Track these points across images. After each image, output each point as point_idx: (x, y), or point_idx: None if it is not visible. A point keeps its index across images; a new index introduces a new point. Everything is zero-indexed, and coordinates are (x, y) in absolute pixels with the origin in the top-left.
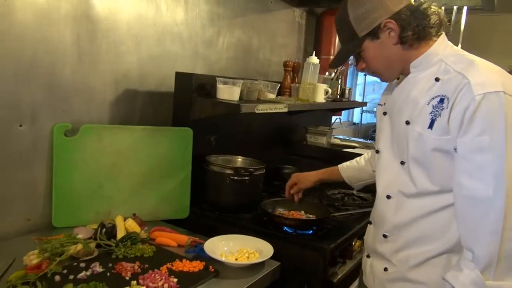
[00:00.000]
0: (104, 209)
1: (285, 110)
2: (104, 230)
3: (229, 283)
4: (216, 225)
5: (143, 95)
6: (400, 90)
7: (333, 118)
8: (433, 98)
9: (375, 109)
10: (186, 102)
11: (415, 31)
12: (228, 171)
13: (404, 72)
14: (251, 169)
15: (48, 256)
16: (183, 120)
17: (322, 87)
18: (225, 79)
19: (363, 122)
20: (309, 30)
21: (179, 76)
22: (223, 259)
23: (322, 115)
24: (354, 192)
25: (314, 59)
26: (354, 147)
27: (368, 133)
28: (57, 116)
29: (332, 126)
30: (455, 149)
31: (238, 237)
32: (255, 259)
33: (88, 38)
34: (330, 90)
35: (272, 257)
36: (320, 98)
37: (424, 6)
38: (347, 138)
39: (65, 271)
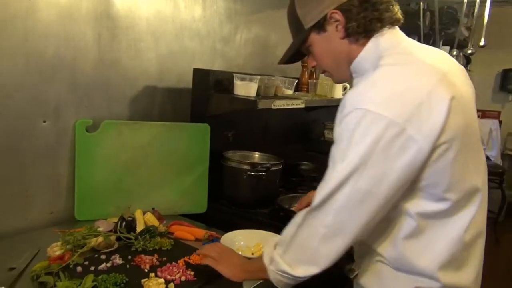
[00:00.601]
0: (124, 203)
1: (302, 106)
2: (124, 223)
3: None
4: (233, 220)
5: (162, 91)
6: None
7: None
8: None
9: None
10: (204, 98)
11: (361, 22)
12: (245, 167)
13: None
14: (268, 165)
15: (70, 248)
16: (200, 116)
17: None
18: (242, 75)
19: None
20: None
21: (197, 72)
22: (239, 253)
23: None
24: None
25: None
26: None
27: None
28: (79, 112)
29: None
30: None
31: (254, 232)
32: None
33: (109, 36)
34: (348, 86)
35: None
36: (338, 93)
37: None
38: None
39: (86, 263)
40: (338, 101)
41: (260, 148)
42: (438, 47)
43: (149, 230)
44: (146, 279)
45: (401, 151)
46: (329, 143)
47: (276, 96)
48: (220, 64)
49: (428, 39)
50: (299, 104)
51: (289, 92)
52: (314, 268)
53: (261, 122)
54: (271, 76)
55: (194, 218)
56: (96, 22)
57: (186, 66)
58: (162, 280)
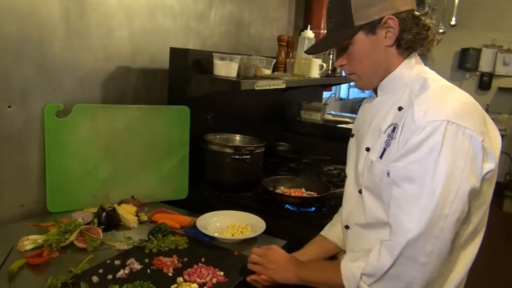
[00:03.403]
0: (101, 192)
1: (283, 86)
2: (104, 213)
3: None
4: (217, 205)
5: (136, 72)
6: (366, 113)
7: (326, 93)
8: (389, 126)
9: None
10: (182, 79)
11: (416, 37)
12: (228, 150)
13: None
14: (252, 148)
15: (42, 243)
16: (179, 98)
17: (317, 62)
18: (222, 55)
19: (350, 97)
20: (299, 4)
21: (174, 52)
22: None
23: (313, 91)
24: None
25: (309, 33)
26: (347, 123)
27: (355, 108)
28: (48, 96)
29: (326, 102)
30: (388, 173)
31: (228, 213)
32: (250, 233)
33: (77, 12)
34: (325, 65)
35: (277, 236)
36: (315, 73)
37: (426, 20)
38: (338, 114)
39: (100, 271)
40: (316, 81)
41: (238, 130)
42: None
43: (160, 228)
44: (176, 284)
45: (478, 162)
46: (305, 123)
47: (257, 77)
48: (194, 43)
49: None
50: (280, 84)
51: (268, 72)
52: None
53: (239, 103)
54: (249, 56)
55: (175, 204)
56: None
57: (160, 45)
58: (195, 286)
